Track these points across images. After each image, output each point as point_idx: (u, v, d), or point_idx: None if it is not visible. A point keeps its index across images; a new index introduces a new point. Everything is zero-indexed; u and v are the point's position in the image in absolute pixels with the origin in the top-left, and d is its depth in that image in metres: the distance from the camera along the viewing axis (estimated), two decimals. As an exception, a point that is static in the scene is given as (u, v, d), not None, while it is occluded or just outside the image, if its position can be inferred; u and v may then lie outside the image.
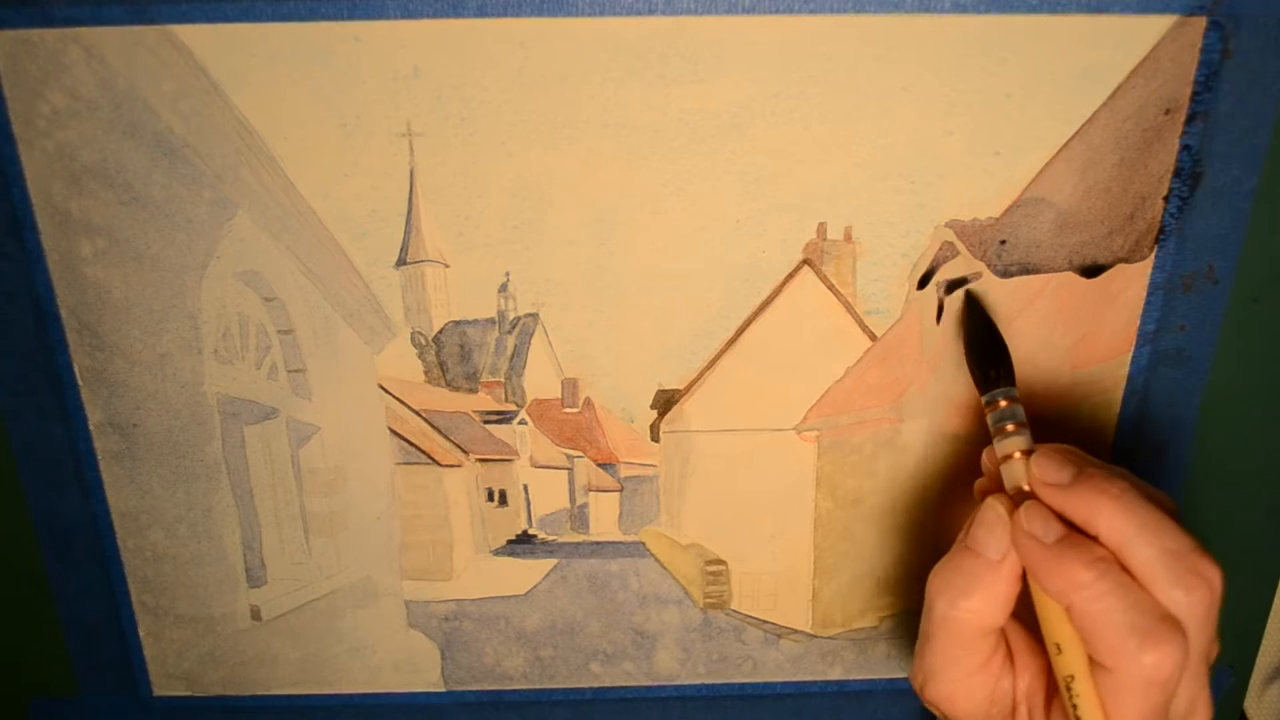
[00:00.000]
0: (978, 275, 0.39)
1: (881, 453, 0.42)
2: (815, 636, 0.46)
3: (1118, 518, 0.29)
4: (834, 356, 0.41)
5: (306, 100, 0.36)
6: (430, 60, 0.35)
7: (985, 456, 0.36)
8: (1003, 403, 0.34)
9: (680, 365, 0.41)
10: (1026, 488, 0.33)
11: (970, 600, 0.32)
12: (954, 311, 0.40)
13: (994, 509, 0.32)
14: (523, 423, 0.42)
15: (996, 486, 0.34)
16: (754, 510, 0.44)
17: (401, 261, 0.39)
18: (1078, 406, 0.41)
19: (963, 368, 0.39)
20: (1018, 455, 0.33)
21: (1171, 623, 0.28)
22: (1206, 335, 0.40)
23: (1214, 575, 0.29)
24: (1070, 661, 0.31)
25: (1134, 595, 0.28)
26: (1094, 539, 0.30)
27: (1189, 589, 0.28)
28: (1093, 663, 0.30)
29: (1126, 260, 0.38)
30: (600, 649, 0.46)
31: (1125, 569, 0.29)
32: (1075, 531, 0.30)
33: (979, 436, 0.41)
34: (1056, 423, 0.41)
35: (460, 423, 0.42)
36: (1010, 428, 0.34)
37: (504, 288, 0.39)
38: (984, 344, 0.37)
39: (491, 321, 0.40)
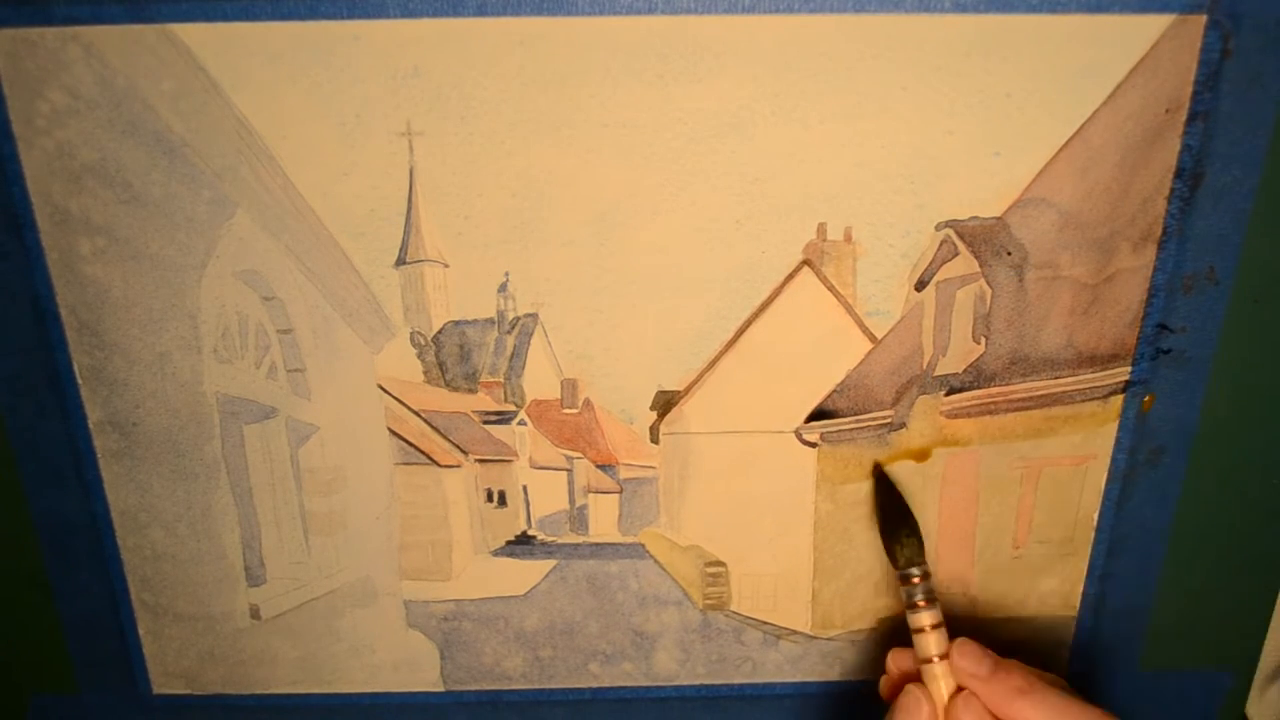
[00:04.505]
0: (977, 275, 0.39)
1: (881, 455, 0.42)
2: (814, 638, 0.46)
3: (1035, 710, 0.35)
4: (834, 358, 0.41)
5: (306, 99, 0.36)
6: (430, 60, 0.35)
7: (890, 660, 0.40)
8: (915, 579, 0.38)
9: (680, 366, 0.41)
10: (935, 656, 0.37)
11: None
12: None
13: (913, 694, 0.38)
14: (522, 423, 0.42)
15: (897, 688, 0.39)
16: (754, 512, 0.44)
17: (401, 261, 0.39)
18: (1078, 408, 0.41)
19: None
20: (928, 628, 0.38)
21: None
22: (1207, 336, 0.40)
23: None
24: None
25: None
26: None
27: None
28: None
29: (1127, 261, 0.38)
30: (599, 649, 0.46)
31: None
32: None
33: (977, 438, 0.41)
34: (1058, 426, 0.41)
35: (459, 423, 0.42)
36: (921, 603, 0.38)
37: (503, 288, 0.39)
38: (893, 521, 0.40)
39: (491, 321, 0.40)
